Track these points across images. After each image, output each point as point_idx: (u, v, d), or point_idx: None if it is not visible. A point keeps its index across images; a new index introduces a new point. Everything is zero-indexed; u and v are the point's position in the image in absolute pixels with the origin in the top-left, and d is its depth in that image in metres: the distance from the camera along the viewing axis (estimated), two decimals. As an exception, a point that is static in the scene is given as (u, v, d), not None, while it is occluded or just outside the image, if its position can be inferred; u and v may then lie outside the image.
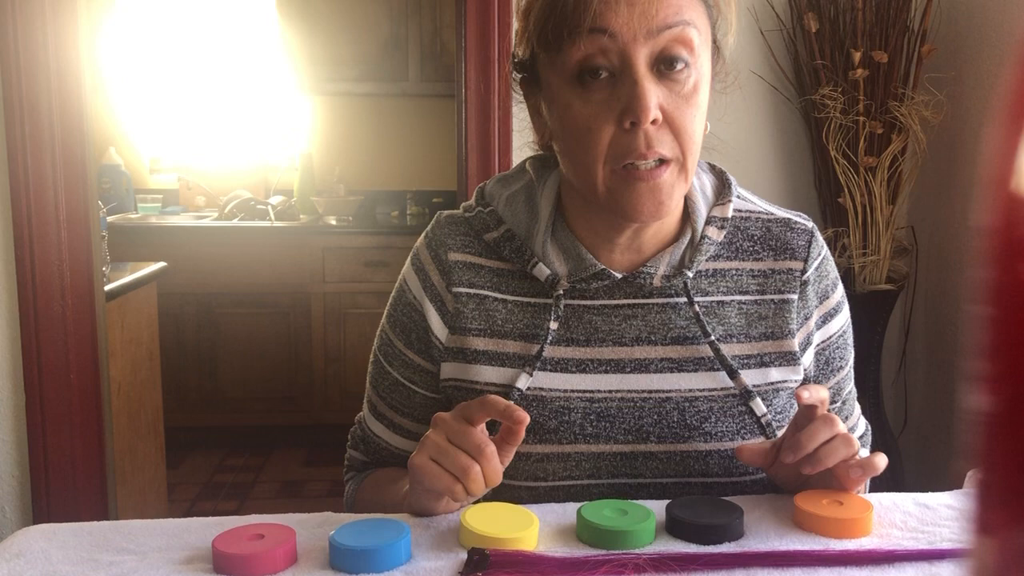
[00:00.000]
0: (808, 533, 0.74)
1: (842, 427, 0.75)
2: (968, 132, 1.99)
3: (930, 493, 0.82)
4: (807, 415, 0.75)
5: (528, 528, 0.70)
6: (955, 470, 1.92)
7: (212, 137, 3.98)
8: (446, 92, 3.54)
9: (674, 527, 0.73)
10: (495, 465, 0.71)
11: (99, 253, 1.86)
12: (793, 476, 0.78)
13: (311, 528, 0.74)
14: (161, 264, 2.48)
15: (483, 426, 0.74)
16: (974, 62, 1.96)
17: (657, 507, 0.75)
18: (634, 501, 0.76)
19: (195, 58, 3.92)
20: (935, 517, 0.77)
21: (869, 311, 2.03)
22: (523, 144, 2.04)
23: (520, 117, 2.04)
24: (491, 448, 0.71)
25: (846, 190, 1.99)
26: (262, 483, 3.23)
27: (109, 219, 2.95)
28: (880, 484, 0.88)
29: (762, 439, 0.84)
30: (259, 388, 3.51)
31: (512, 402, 0.73)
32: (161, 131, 3.96)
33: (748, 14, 2.04)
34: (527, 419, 0.71)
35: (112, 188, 3.66)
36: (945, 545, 0.72)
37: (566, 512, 0.77)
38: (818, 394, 0.75)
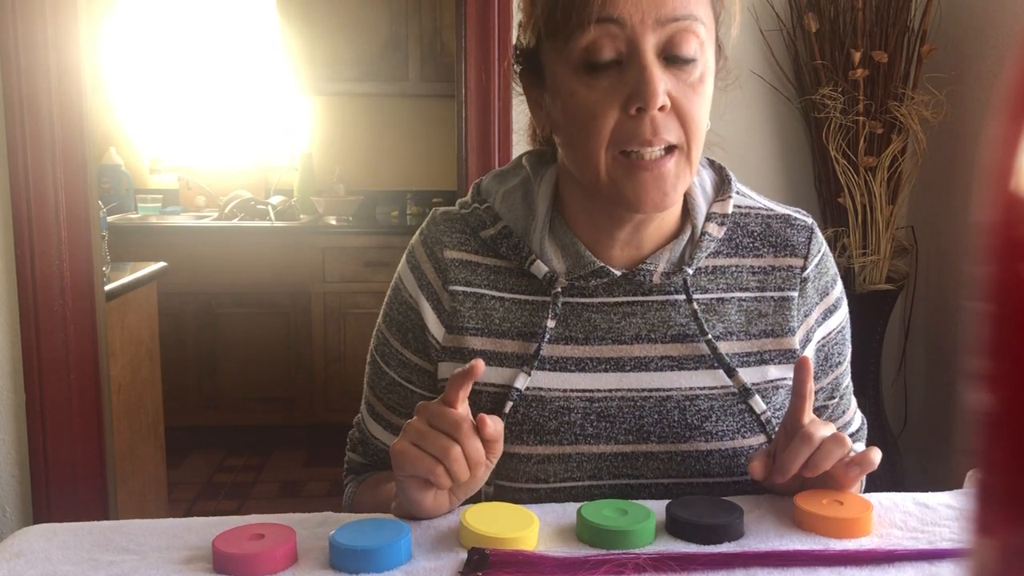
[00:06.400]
0: (808, 533, 0.74)
1: (826, 431, 0.74)
2: (968, 132, 1.99)
3: (930, 493, 0.82)
4: (793, 423, 0.75)
5: (528, 528, 0.70)
6: (955, 470, 1.92)
7: (212, 137, 3.98)
8: (446, 92, 3.54)
9: (674, 527, 0.73)
10: (475, 443, 0.71)
11: (99, 253, 1.86)
12: (789, 481, 0.78)
13: (311, 528, 0.74)
14: (161, 264, 2.48)
15: (466, 409, 0.73)
16: (974, 62, 1.96)
17: (657, 507, 0.75)
18: (634, 501, 0.76)
19: (195, 58, 3.92)
20: (935, 517, 0.77)
21: (869, 311, 2.03)
22: (522, 141, 2.04)
23: (520, 117, 2.04)
24: (469, 424, 0.71)
25: (846, 190, 1.99)
26: (262, 483, 3.23)
27: (109, 219, 2.95)
28: (880, 484, 0.88)
29: (762, 437, 0.84)
30: (259, 388, 3.51)
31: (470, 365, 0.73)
32: (161, 131, 3.96)
33: (748, 14, 2.04)
34: (481, 367, 0.71)
35: (112, 188, 3.66)
36: (945, 545, 0.72)
37: (566, 512, 0.77)
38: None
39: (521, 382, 0.82)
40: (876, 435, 1.84)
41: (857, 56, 1.92)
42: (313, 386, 3.53)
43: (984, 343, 0.21)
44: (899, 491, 0.82)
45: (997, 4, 1.89)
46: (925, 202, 2.15)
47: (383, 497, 0.84)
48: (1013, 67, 0.21)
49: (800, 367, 0.76)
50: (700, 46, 0.75)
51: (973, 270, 0.22)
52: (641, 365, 0.84)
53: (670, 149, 0.76)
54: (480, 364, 0.71)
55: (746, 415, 0.83)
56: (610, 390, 0.83)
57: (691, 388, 0.83)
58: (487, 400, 0.84)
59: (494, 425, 0.72)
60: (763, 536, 0.73)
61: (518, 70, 0.85)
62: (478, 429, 0.71)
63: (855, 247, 2.01)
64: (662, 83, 0.73)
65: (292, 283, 3.48)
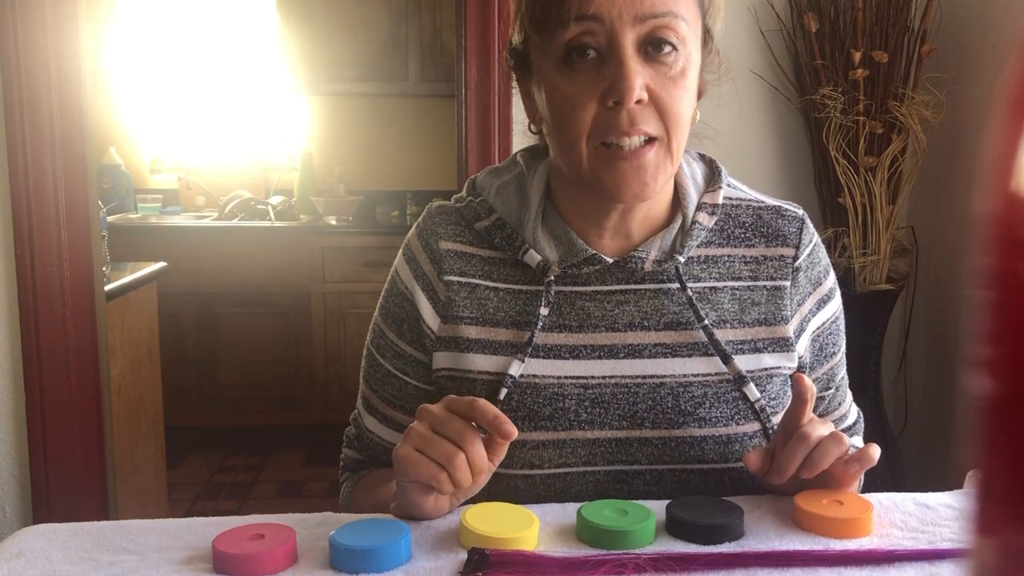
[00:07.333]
0: (808, 533, 0.74)
1: (823, 430, 0.74)
2: (968, 132, 1.99)
3: (930, 493, 0.82)
4: (792, 424, 0.75)
5: (528, 528, 0.70)
6: (955, 470, 1.92)
7: (212, 137, 3.98)
8: (446, 92, 3.54)
9: (674, 527, 0.73)
10: (479, 450, 0.71)
11: (99, 253, 1.86)
12: (788, 482, 0.78)
13: (311, 528, 0.74)
14: (161, 264, 2.48)
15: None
16: (974, 62, 1.96)
17: (657, 507, 0.75)
18: (634, 501, 0.76)
19: (195, 58, 3.92)
20: (935, 517, 0.77)
21: (869, 311, 2.03)
22: (522, 140, 2.04)
23: (520, 116, 2.04)
24: (474, 432, 0.71)
25: (846, 190, 1.99)
26: (262, 483, 3.23)
27: (109, 219, 2.95)
28: (880, 484, 0.88)
29: (756, 425, 0.84)
30: (259, 388, 3.51)
31: (501, 412, 0.71)
32: (161, 131, 3.96)
33: (748, 14, 2.04)
34: (514, 434, 0.70)
35: (112, 188, 3.66)
36: (945, 545, 0.72)
37: (566, 512, 0.77)
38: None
39: (515, 369, 0.83)
40: (876, 435, 1.84)
41: (857, 56, 1.92)
42: (313, 386, 3.53)
43: (985, 331, 0.21)
44: (899, 491, 0.82)
45: (997, 4, 1.89)
46: (925, 202, 2.15)
47: (381, 498, 0.85)
48: (1013, 67, 0.21)
49: (798, 378, 0.76)
50: (681, 41, 0.77)
51: (974, 265, 0.22)
52: (635, 352, 0.85)
53: (650, 141, 0.77)
54: (512, 433, 0.70)
55: (740, 402, 0.84)
56: (604, 377, 0.84)
57: (684, 375, 0.84)
58: (481, 388, 0.85)
59: (512, 428, 0.70)
60: (763, 536, 0.73)
61: (511, 64, 0.87)
62: (493, 427, 0.70)
63: (855, 247, 2.01)
64: (639, 78, 0.75)
65: (292, 283, 3.48)
